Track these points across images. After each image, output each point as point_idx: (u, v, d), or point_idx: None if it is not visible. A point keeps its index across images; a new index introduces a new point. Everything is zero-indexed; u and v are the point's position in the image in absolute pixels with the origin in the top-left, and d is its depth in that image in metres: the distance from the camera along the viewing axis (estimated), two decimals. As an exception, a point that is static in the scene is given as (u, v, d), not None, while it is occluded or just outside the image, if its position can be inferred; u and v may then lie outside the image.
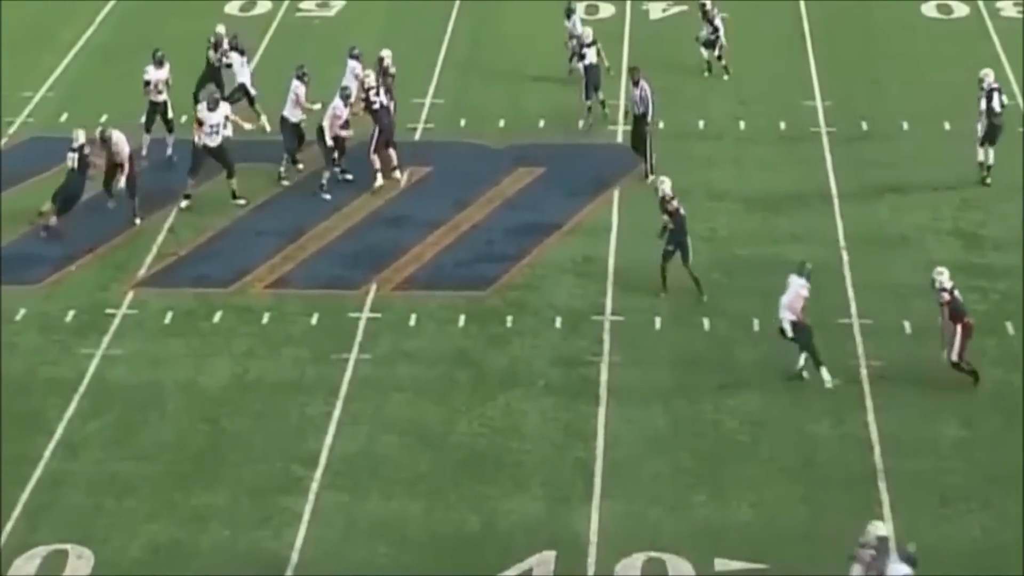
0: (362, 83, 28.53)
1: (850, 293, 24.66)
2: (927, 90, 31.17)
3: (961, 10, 34.91)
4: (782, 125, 30.05)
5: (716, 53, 31.91)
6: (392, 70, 29.17)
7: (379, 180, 28.15)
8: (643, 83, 27.92)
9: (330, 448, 21.61)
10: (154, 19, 34.62)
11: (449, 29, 34.08)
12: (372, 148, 28.08)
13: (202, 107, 27.52)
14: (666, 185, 24.90)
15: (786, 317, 22.72)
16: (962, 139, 29.08)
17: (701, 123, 30.21)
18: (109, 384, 23.04)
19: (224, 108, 27.53)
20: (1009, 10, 34.65)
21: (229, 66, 29.96)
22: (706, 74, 31.92)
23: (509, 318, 24.44)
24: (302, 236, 26.63)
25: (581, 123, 29.95)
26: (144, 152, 28.72)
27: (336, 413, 22.32)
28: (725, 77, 31.80)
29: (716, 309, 24.46)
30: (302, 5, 35.85)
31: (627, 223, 26.91)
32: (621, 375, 23.01)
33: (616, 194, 27.79)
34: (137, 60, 29.70)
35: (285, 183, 28.36)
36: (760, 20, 34.30)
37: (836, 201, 27.34)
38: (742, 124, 30.17)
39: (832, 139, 29.44)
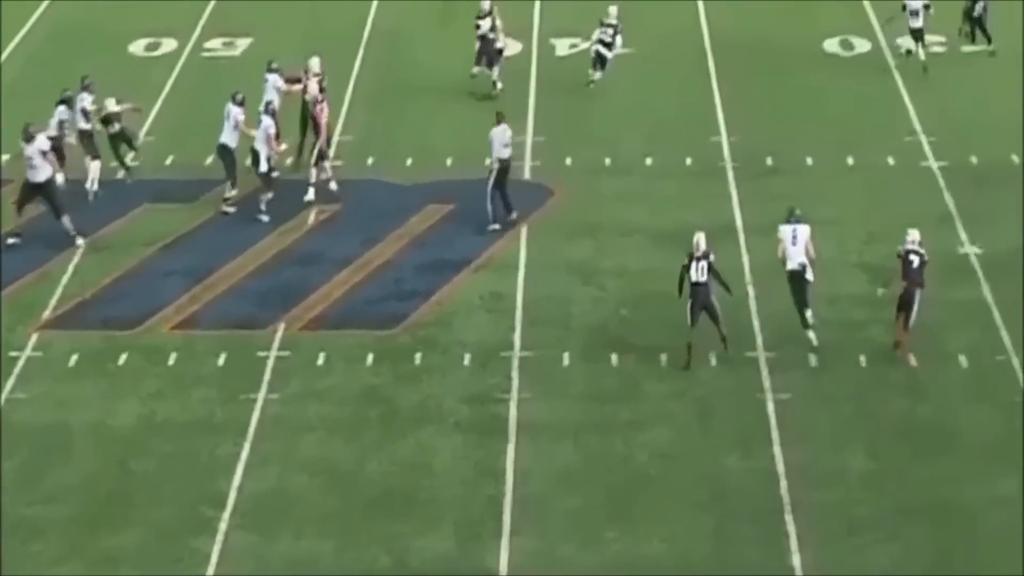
0: (304, 95, 29.15)
1: (756, 326, 24.92)
2: (831, 125, 31.57)
3: (863, 46, 35.42)
4: (689, 161, 30.34)
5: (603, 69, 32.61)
6: (325, 80, 29.79)
7: (311, 194, 28.58)
8: (504, 125, 27.96)
9: (239, 489, 21.53)
10: (60, 60, 34.44)
11: (357, 65, 34.17)
12: (313, 160, 28.65)
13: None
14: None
15: (806, 262, 24.14)
16: (866, 173, 29.54)
17: (609, 160, 30.44)
18: (15, 427, 22.85)
19: (41, 142, 27.36)
20: (910, 45, 35.13)
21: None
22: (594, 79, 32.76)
23: (419, 355, 24.48)
24: (211, 275, 26.57)
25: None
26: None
27: (245, 453, 22.25)
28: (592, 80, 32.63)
29: (625, 344, 24.63)
30: (208, 44, 35.82)
31: (535, 259, 27.05)
32: (531, 411, 23.11)
33: (524, 230, 27.93)
34: (44, 100, 29.58)
35: (231, 210, 28.42)
36: (666, 57, 34.61)
37: (742, 235, 27.62)
38: (650, 160, 30.42)
39: (738, 174, 29.76)
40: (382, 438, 22.57)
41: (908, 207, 28.24)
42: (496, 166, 27.73)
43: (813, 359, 24.13)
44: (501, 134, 27.80)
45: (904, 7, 33.26)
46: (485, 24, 32.53)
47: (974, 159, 29.89)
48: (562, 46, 35.68)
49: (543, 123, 31.75)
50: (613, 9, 33.13)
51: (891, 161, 30.07)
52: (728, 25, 36.28)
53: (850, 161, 30.11)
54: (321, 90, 29.57)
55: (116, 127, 29.21)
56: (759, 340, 24.61)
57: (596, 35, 32.90)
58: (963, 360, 23.98)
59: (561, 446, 22.37)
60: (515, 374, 23.99)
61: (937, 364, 23.88)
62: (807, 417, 22.85)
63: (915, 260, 24.18)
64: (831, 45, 35.53)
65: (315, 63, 30.15)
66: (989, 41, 34.03)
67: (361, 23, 36.62)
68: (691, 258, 23.99)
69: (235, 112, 28.52)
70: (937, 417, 22.73)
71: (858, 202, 28.58)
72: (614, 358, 24.32)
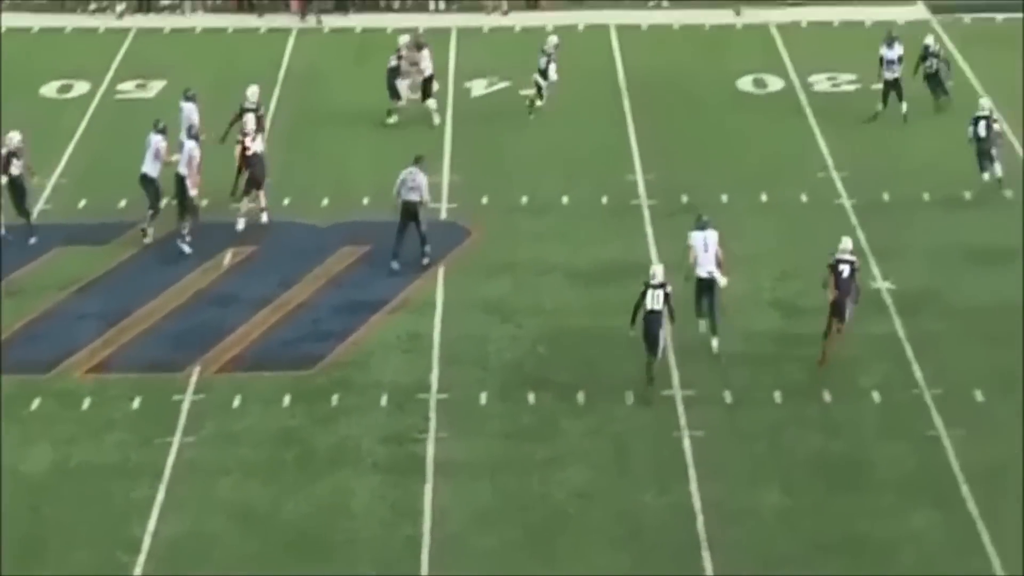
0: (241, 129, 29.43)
1: (672, 364, 25.08)
2: (745, 163, 31.86)
3: (775, 84, 35.81)
4: (605, 199, 30.54)
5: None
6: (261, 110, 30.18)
7: (241, 224, 28.89)
8: (413, 168, 28.03)
9: (155, 533, 21.41)
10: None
11: (272, 106, 34.17)
12: (242, 192, 29.04)
13: None
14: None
15: (715, 269, 24.67)
16: (779, 210, 29.83)
17: (525, 198, 30.58)
18: (-74, 473, 22.66)
19: None
20: (822, 84, 35.62)
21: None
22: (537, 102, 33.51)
23: (336, 397, 24.47)
24: (125, 318, 26.45)
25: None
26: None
27: (160, 497, 22.13)
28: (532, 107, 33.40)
29: (542, 382, 24.74)
30: (120, 87, 35.72)
31: (452, 299, 27.14)
32: (448, 451, 23.14)
33: (441, 270, 28.01)
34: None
35: (147, 240, 28.44)
36: (582, 96, 34.82)
37: (658, 273, 27.84)
38: (566, 198, 30.59)
39: (653, 212, 29.98)
40: (299, 480, 22.53)
41: (821, 243, 28.40)
42: (399, 207, 27.85)
43: (728, 396, 24.32)
44: (408, 176, 27.89)
45: (880, 59, 33.44)
46: (392, 60, 33.15)
47: (886, 196, 30.27)
48: (478, 87, 35.85)
49: (459, 163, 31.88)
50: (552, 39, 33.91)
51: (804, 198, 30.40)
52: (643, 64, 36.61)
53: (764, 198, 30.42)
54: (258, 120, 29.66)
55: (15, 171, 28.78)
56: (675, 378, 24.78)
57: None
58: (876, 395, 24.24)
59: (479, 485, 22.42)
60: (432, 414, 24.03)
61: (850, 400, 24.13)
62: (723, 454, 23.02)
63: (845, 270, 24.79)
64: (744, 83, 35.90)
65: (252, 92, 30.26)
66: (944, 94, 33.70)
67: (276, 63, 36.68)
68: (647, 286, 24.26)
69: (156, 140, 28.54)
70: (851, 452, 22.96)
71: (772, 239, 28.87)
72: (531, 396, 24.41)
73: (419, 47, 33.80)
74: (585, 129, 33.58)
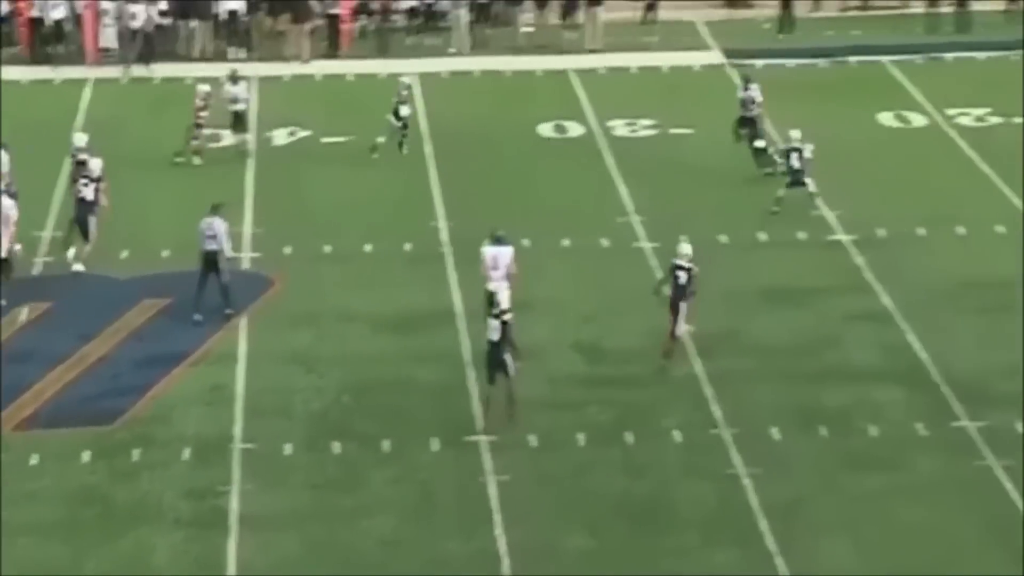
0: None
1: (477, 410, 25.25)
2: (546, 208, 32.23)
3: (576, 130, 36.32)
4: (408, 246, 30.68)
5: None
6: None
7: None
8: (211, 218, 28.01)
9: (-49, 596, 21.02)
10: None
11: (66, 162, 33.70)
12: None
13: None
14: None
15: (506, 285, 25.24)
16: (580, 254, 30.22)
17: (329, 247, 30.59)
18: None
19: None
20: (621, 129, 36.20)
21: None
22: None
23: (137, 451, 24.20)
24: (-83, 378, 25.94)
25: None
26: None
27: (-45, 560, 21.72)
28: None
29: (347, 431, 24.74)
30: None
31: (256, 349, 27.03)
32: (253, 503, 23.00)
33: (244, 321, 27.89)
34: None
35: None
36: (387, 148, 34.95)
37: (462, 320, 28.00)
38: (369, 247, 30.67)
39: (457, 258, 30.19)
40: (99, 537, 22.20)
41: (622, 287, 28.99)
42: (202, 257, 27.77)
43: (533, 440, 24.54)
44: (207, 226, 27.79)
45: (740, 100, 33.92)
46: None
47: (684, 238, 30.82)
48: (279, 136, 35.84)
49: (262, 213, 31.83)
50: (404, 80, 34.85)
51: (605, 243, 30.84)
52: (444, 111, 36.91)
53: (565, 243, 30.79)
54: (80, 165, 29.53)
55: None
56: (480, 423, 24.93)
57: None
58: (677, 435, 24.64)
59: (285, 537, 22.30)
60: (236, 466, 23.89)
61: (652, 441, 24.48)
62: (528, 498, 23.19)
63: (681, 276, 25.83)
64: (545, 130, 36.36)
65: (79, 139, 29.98)
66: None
67: (72, 111, 36.30)
68: (491, 316, 24.61)
69: None
70: (654, 493, 23.28)
71: (573, 283, 29.23)
72: (337, 446, 24.39)
73: (235, 80, 34.05)
74: (388, 177, 33.72)
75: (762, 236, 31.05)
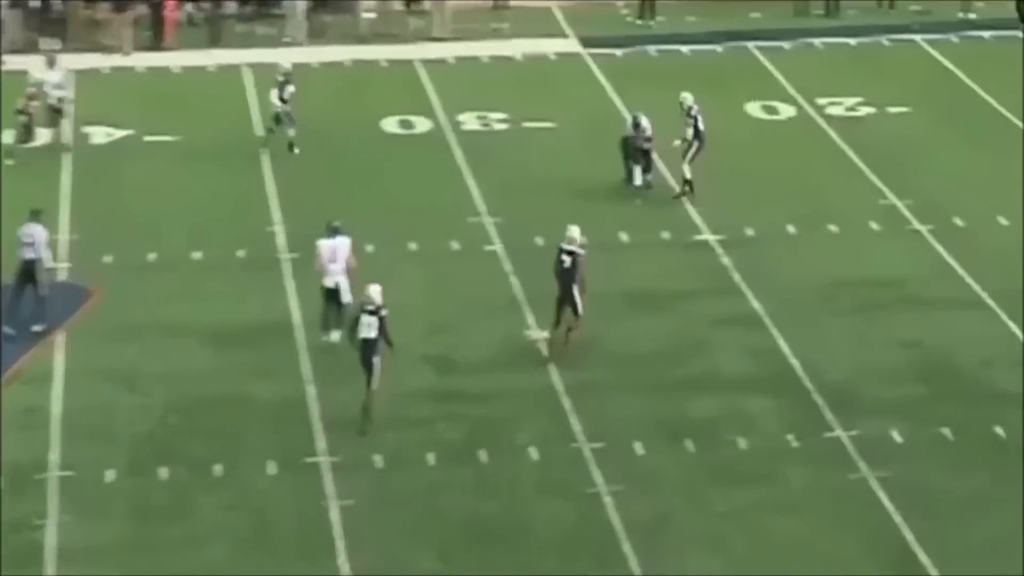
0: None
1: (317, 429, 25.22)
2: (392, 209, 32.21)
3: (423, 125, 36.40)
4: (241, 253, 30.55)
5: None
6: None
7: None
8: (28, 225, 27.79)
9: None
10: None
11: None
12: None
13: None
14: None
15: (343, 280, 26.09)
16: (429, 259, 30.26)
17: (152, 256, 30.37)
18: None
19: None
20: (472, 123, 36.33)
21: None
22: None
23: (-58, 482, 23.93)
24: None
25: None
26: None
27: None
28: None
29: (174, 455, 24.58)
30: None
31: (74, 367, 26.78)
32: (72, 536, 22.77)
33: (61, 337, 27.61)
34: None
35: None
36: (214, 142, 34.80)
37: (301, 331, 27.94)
38: (198, 254, 30.48)
39: (295, 265, 30.10)
40: (-98, 577, 21.92)
41: (474, 293, 29.13)
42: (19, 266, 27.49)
43: (379, 460, 24.55)
44: (26, 233, 27.52)
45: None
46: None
47: (539, 240, 31.00)
48: (98, 134, 35.52)
49: (79, 220, 31.51)
50: (283, 65, 34.79)
51: (455, 246, 30.94)
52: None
53: (413, 246, 30.84)
54: None
55: None
56: (321, 443, 24.90)
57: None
58: (533, 452, 24.78)
59: (107, 571, 22.11)
60: (53, 496, 23.63)
61: (506, 458, 24.59)
62: (373, 522, 23.20)
63: (567, 261, 26.37)
64: (390, 125, 36.40)
65: None
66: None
67: None
68: (363, 311, 24.95)
69: None
70: (509, 513, 23.39)
71: (421, 290, 29.29)
72: (163, 471, 24.22)
73: (52, 65, 33.85)
74: (219, 178, 33.55)
75: (623, 237, 31.34)
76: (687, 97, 32.85)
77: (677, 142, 32.73)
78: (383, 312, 25.03)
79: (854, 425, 25.38)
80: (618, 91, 37.97)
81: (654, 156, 33.35)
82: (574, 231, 27.03)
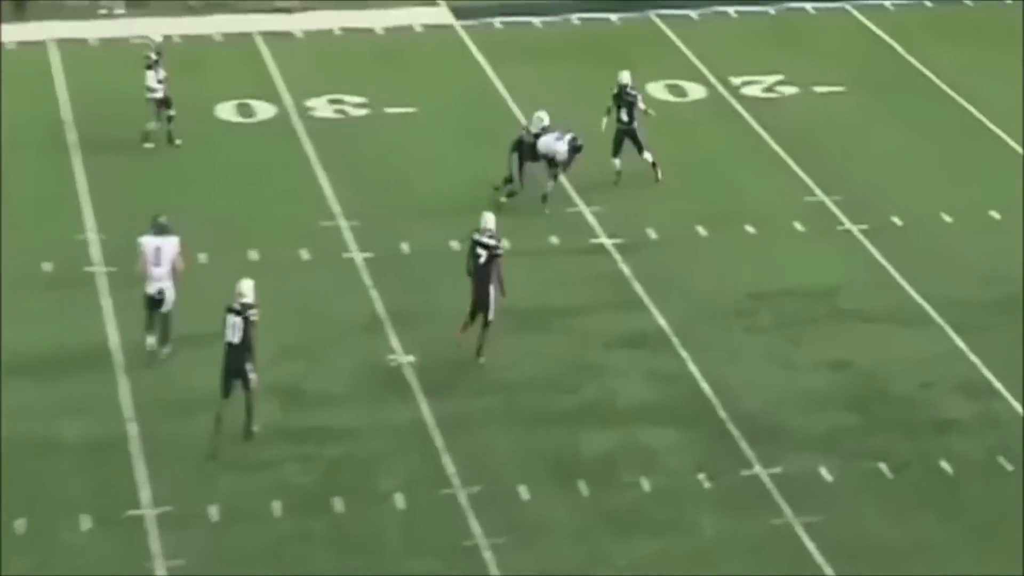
0: None
1: (141, 476, 25.02)
2: (228, 211, 32.05)
3: (266, 111, 36.27)
4: (48, 267, 30.27)
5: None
6: None
7: None
8: None
9: None
10: None
11: None
12: None
13: None
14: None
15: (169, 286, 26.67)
16: (274, 270, 30.03)
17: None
18: None
19: None
20: (323, 109, 36.24)
21: None
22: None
23: None
24: None
25: None
26: None
27: None
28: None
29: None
30: None
31: None
32: None
33: None
34: None
35: None
36: (13, 133, 34.51)
37: (120, 358, 27.75)
38: (-5, 267, 30.29)
39: (112, 281, 29.81)
40: None
41: (331, 311, 29.03)
42: None
43: (215, 511, 24.40)
44: None
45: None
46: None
47: (405, 247, 31.00)
48: None
49: None
50: (155, 39, 35.06)
51: (305, 254, 30.81)
52: (93, 88, 36.55)
53: (254, 255, 30.71)
54: None
55: None
56: (146, 493, 24.72)
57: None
58: (400, 499, 24.75)
59: None
60: None
61: (368, 507, 24.55)
62: (211, 589, 23.17)
63: (482, 255, 26.99)
64: (226, 111, 36.24)
65: None
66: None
67: None
68: (229, 310, 25.50)
69: None
70: (370, 573, 23.33)
71: (265, 308, 28.88)
72: (-45, 528, 24.05)
73: None
74: (19, 177, 33.18)
75: (504, 242, 31.29)
76: (624, 75, 32.99)
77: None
78: (251, 313, 25.28)
79: (776, 461, 25.53)
80: (496, 69, 38.02)
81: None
82: (489, 219, 27.48)
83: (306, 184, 33.34)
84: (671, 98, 37.63)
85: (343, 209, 32.33)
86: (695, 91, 38.05)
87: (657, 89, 37.74)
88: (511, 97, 36.13)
